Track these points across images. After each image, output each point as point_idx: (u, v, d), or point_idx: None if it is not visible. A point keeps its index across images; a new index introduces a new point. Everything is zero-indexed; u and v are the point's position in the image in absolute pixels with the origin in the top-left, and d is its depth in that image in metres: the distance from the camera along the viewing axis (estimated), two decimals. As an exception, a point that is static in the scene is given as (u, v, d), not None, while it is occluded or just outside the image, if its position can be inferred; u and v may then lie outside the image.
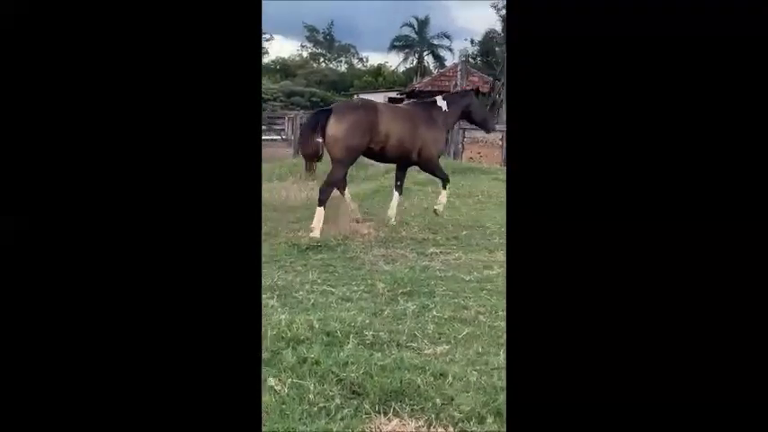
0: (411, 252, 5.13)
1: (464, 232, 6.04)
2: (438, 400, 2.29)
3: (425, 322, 3.28)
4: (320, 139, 6.03)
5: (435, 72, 36.08)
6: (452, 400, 2.30)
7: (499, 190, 9.39)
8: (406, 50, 48.39)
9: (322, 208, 5.99)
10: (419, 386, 2.38)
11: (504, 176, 12.29)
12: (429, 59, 48.49)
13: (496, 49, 39.80)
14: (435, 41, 47.61)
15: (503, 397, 2.30)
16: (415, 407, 2.26)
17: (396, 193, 6.95)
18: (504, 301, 3.71)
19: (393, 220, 6.65)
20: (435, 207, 6.80)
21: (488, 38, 43.72)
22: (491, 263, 4.77)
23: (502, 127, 15.31)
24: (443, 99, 7.09)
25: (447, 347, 2.91)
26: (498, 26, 42.58)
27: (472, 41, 45.20)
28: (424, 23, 47.06)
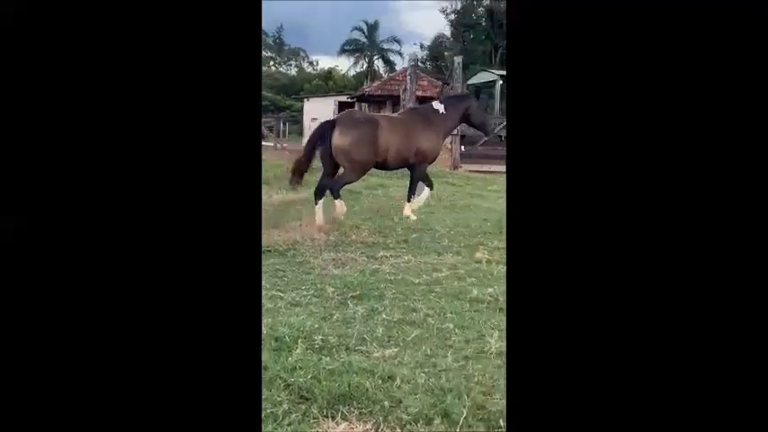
0: (361, 256, 5.14)
1: (414, 235, 6.07)
2: (386, 402, 2.30)
3: (374, 325, 3.29)
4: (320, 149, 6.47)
5: (385, 76, 36.20)
6: (400, 402, 2.31)
7: (449, 193, 9.49)
8: (357, 54, 48.50)
9: (338, 200, 6.53)
10: (367, 389, 2.38)
11: (453, 180, 12.43)
12: (379, 63, 48.70)
13: (445, 53, 40.24)
14: (385, 46, 47.86)
15: (450, 398, 2.34)
16: (363, 410, 2.26)
17: (426, 189, 7.33)
18: (453, 302, 3.78)
19: (415, 209, 7.14)
20: (405, 215, 7.11)
21: (437, 42, 44.19)
22: (440, 265, 4.82)
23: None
24: (441, 103, 7.38)
25: (396, 350, 2.93)
26: (447, 30, 43.11)
27: (422, 46, 45.66)
28: (373, 28, 47.25)
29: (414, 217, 7.05)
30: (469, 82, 22.63)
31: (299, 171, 6.68)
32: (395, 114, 7.80)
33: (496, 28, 39.52)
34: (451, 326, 3.30)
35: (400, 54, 47.03)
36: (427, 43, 45.42)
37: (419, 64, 35.35)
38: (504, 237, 6.09)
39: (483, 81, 22.58)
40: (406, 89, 17.10)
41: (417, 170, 7.12)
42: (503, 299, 3.85)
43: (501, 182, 12.54)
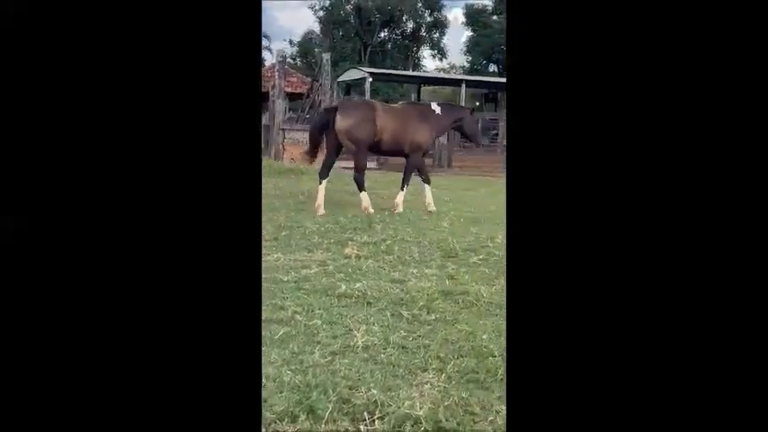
0: (228, 255, 5.02)
1: (284, 233, 6.02)
2: (251, 403, 2.27)
3: (241, 326, 3.23)
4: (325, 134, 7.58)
5: (255, 72, 35.48)
6: (266, 401, 2.29)
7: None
8: (224, 50, 47.22)
9: (363, 192, 7.62)
10: (232, 391, 2.34)
11: (324, 176, 12.44)
12: (248, 59, 47.69)
13: (315, 50, 40.20)
14: (254, 41, 46.89)
15: (315, 394, 2.34)
16: (227, 412, 2.22)
17: (426, 186, 8.19)
18: (321, 299, 3.79)
19: (400, 208, 7.85)
20: (396, 202, 7.95)
21: (307, 39, 44.03)
22: (309, 262, 4.81)
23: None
24: (438, 105, 8.33)
25: (263, 349, 2.89)
26: (317, 27, 43.05)
27: (291, 42, 45.19)
28: (241, 22, 46.16)
29: (401, 209, 7.74)
30: (339, 79, 22.72)
31: (313, 153, 7.95)
32: (393, 105, 8.49)
33: (364, 26, 39.99)
34: (319, 322, 3.32)
35: (269, 50, 46.20)
36: (297, 39, 45.09)
37: (288, 60, 35.00)
38: (372, 232, 6.20)
39: (353, 78, 22.73)
40: (274, 85, 16.91)
41: (411, 159, 7.98)
42: (371, 293, 3.92)
43: (373, 177, 12.70)
